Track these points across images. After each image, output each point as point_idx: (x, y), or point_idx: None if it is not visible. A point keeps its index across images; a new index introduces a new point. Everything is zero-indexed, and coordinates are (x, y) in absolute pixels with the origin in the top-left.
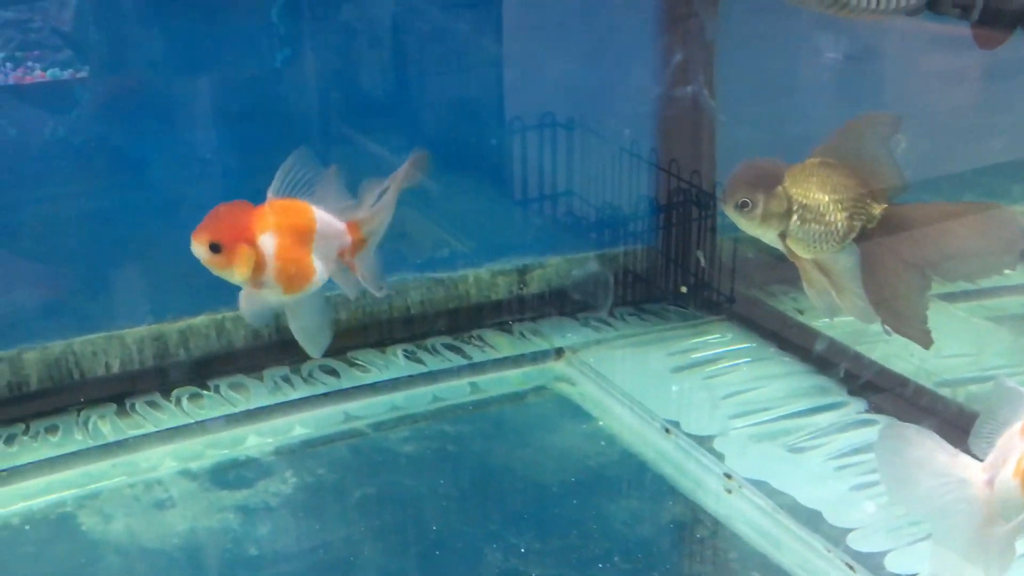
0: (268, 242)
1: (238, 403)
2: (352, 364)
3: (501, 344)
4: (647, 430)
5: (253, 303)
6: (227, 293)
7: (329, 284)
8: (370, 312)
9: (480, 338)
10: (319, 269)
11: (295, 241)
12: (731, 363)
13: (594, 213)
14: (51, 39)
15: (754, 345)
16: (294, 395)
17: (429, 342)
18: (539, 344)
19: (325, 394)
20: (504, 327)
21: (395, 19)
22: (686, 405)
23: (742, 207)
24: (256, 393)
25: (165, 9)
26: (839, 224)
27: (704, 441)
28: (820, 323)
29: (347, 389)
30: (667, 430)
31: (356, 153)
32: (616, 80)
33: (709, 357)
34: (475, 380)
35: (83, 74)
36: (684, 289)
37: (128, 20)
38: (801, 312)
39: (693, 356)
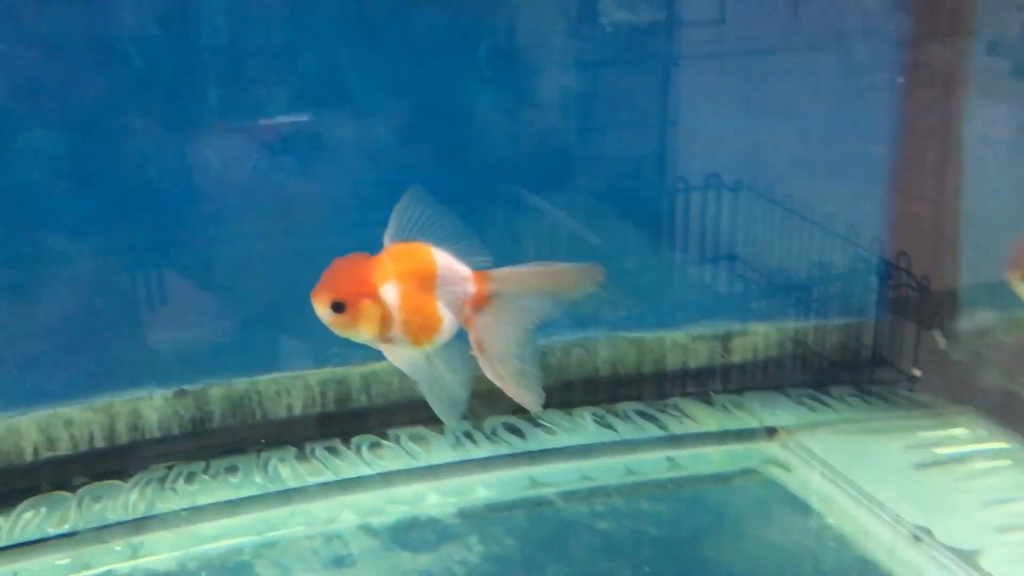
0: (390, 293)
1: (419, 456)
2: (537, 424)
3: (702, 416)
4: (890, 535)
5: (397, 357)
6: None
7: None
8: (557, 369)
9: (677, 408)
10: (446, 317)
11: (417, 289)
12: (988, 464)
13: (807, 279)
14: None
15: (1015, 445)
16: (477, 453)
17: (620, 407)
18: (746, 420)
19: (510, 455)
20: (704, 397)
21: (579, 72)
22: (939, 510)
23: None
24: (437, 447)
25: (365, 46)
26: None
27: (967, 556)
28: None
29: (533, 452)
30: (917, 538)
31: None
32: (841, 140)
33: (958, 455)
34: (673, 454)
35: (302, 117)
36: (918, 372)
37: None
38: None
39: (938, 452)
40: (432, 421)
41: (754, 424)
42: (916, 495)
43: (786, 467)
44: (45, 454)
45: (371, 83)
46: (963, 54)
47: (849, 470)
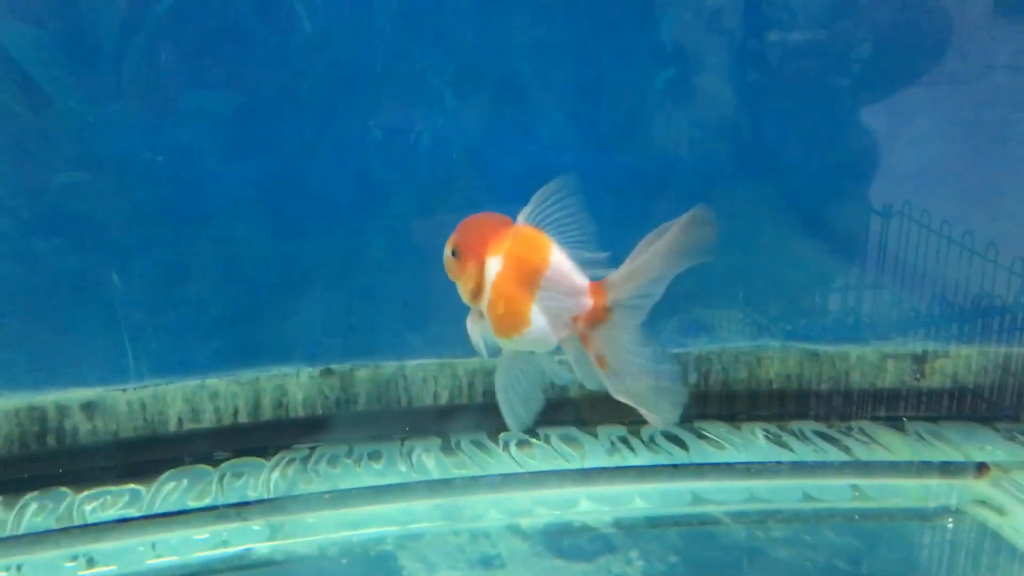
0: (492, 268)
1: (571, 459)
2: (701, 436)
3: (893, 443)
4: None
5: (472, 330)
6: None
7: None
8: (722, 378)
9: (863, 432)
10: (537, 322)
11: (517, 276)
12: None
13: (1015, 301)
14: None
15: None
16: (634, 460)
17: (796, 425)
18: (947, 452)
19: (671, 466)
20: (894, 423)
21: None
22: None
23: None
24: (591, 451)
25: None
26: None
27: None
28: None
29: (698, 465)
30: None
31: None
32: None
33: None
34: (859, 483)
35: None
36: None
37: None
38: None
39: None
40: (585, 422)
41: (958, 457)
42: None
43: (999, 509)
44: (189, 425)
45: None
46: None
47: None
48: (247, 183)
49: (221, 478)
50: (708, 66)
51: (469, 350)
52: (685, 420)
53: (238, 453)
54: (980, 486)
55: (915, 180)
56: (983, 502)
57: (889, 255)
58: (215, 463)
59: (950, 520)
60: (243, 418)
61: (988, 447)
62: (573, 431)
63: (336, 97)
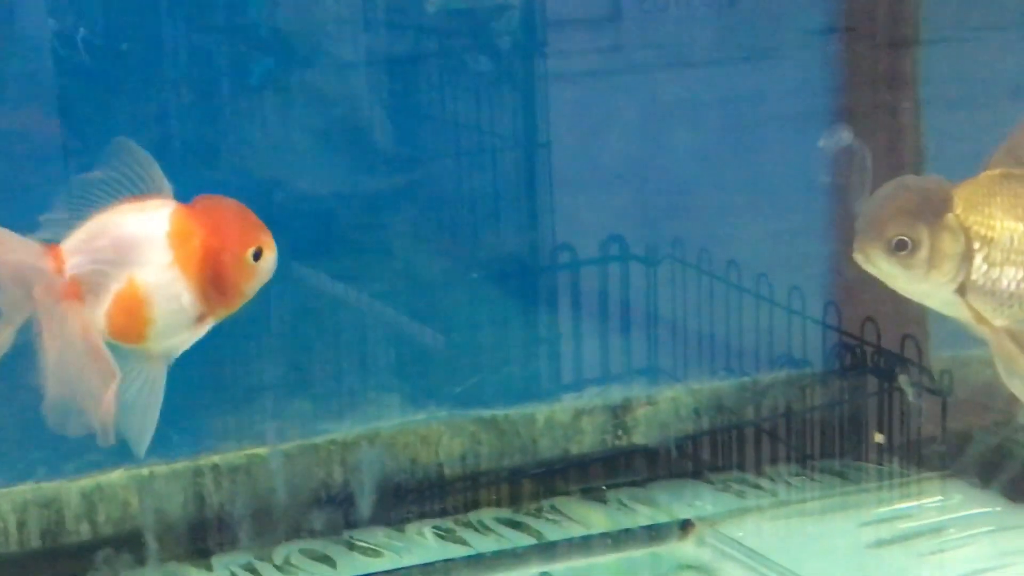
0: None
1: None
2: (352, 547)
3: (589, 517)
4: None
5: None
6: None
7: None
8: (371, 468)
9: (556, 509)
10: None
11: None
12: (964, 534)
13: (734, 328)
14: None
15: (998, 509)
16: None
17: (474, 516)
18: (651, 515)
19: None
20: (593, 494)
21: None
22: None
23: (898, 249)
24: None
25: None
26: None
27: None
28: None
29: None
30: None
31: None
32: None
33: (928, 527)
34: (549, 570)
35: None
36: (880, 437)
37: None
38: None
39: (902, 526)
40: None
41: (662, 519)
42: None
43: (706, 570)
44: None
45: None
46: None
47: (788, 561)
48: None
49: None
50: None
51: None
52: (334, 531)
53: None
54: (685, 548)
55: (588, 191)
56: (689, 566)
57: (573, 287)
58: None
59: None
60: None
61: (697, 503)
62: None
63: None
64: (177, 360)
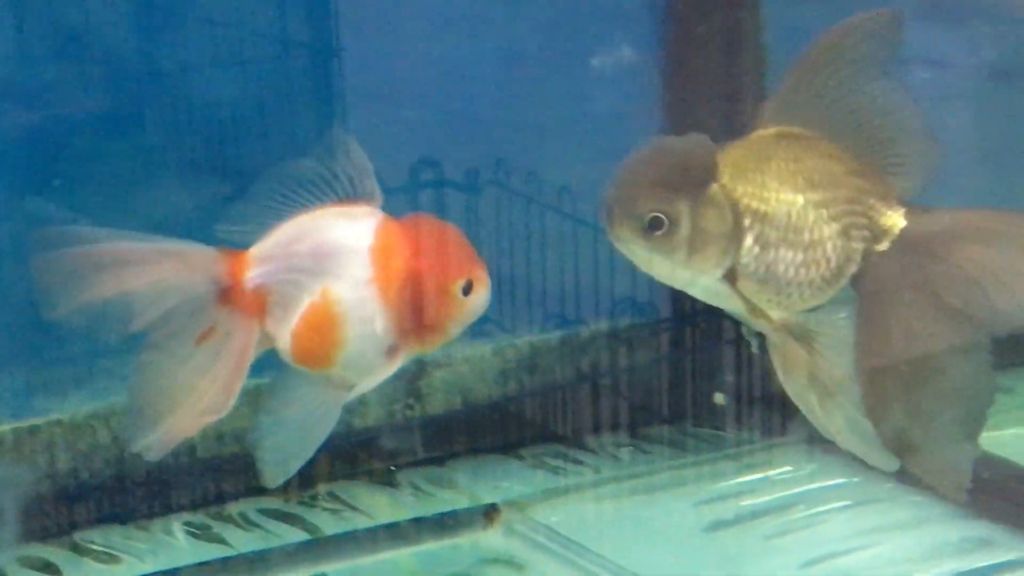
0: None
1: None
2: (79, 551)
3: (374, 505)
4: None
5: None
6: None
7: None
8: (105, 455)
9: (335, 496)
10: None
11: None
12: (815, 510)
13: (555, 269)
14: None
15: (856, 480)
16: None
17: (236, 508)
18: (450, 501)
19: None
20: (380, 476)
21: None
22: None
23: (653, 228)
24: None
25: None
26: (829, 247)
27: None
28: None
29: None
30: None
31: None
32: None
33: (774, 503)
34: (327, 569)
35: None
36: (720, 399)
37: None
38: None
39: (744, 503)
40: None
41: (463, 504)
42: (707, 566)
43: (513, 562)
44: None
45: None
46: None
47: (611, 551)
48: None
49: None
50: None
51: None
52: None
53: None
54: (490, 538)
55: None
56: (493, 559)
57: None
58: None
59: None
60: None
61: (505, 484)
62: None
63: None
64: None
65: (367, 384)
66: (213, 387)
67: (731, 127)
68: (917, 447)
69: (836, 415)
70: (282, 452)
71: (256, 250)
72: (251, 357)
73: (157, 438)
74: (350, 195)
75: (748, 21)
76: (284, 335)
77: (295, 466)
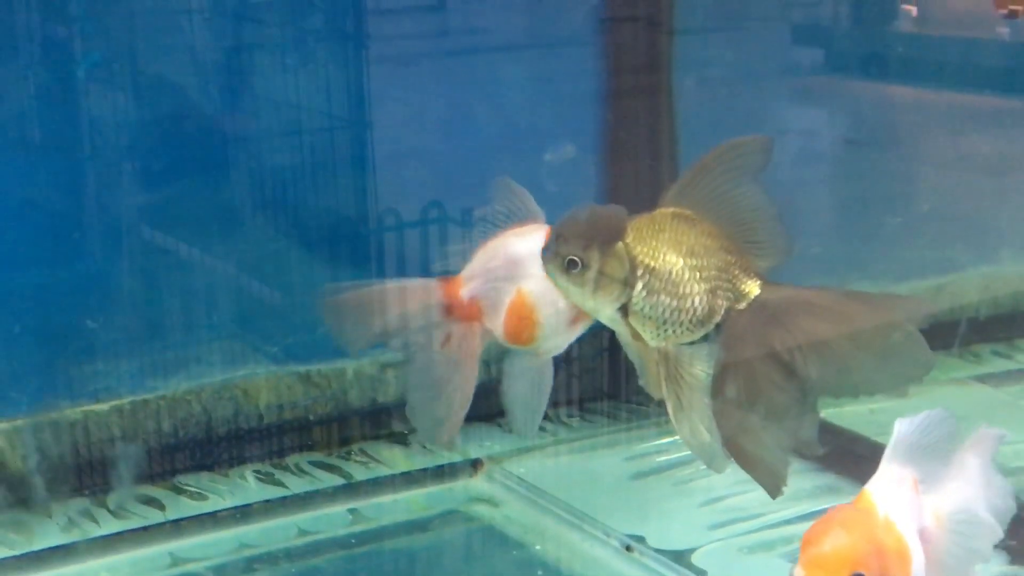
0: None
1: (16, 544)
2: (180, 490)
3: (393, 458)
4: (600, 550)
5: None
6: None
7: None
8: (197, 421)
9: (364, 452)
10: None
11: None
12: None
13: None
14: None
15: None
16: (97, 532)
17: (292, 460)
18: (447, 456)
19: (143, 529)
20: (398, 438)
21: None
22: (654, 517)
23: (571, 267)
24: (41, 531)
25: None
26: (698, 301)
27: (680, 557)
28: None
29: (175, 522)
30: (628, 547)
31: None
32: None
33: (682, 459)
34: (357, 506)
35: None
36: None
37: None
38: None
39: (660, 460)
40: (35, 505)
41: (456, 458)
42: (631, 506)
43: (493, 502)
44: None
45: None
46: None
47: (562, 493)
48: None
49: None
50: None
51: None
52: (161, 477)
53: None
54: (476, 483)
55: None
56: (478, 499)
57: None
58: None
59: (447, 524)
60: None
61: (487, 443)
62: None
63: None
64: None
65: (559, 347)
66: (460, 376)
67: (642, 204)
68: (748, 453)
69: (684, 424)
70: (530, 409)
71: (464, 272)
72: (480, 349)
73: (450, 424)
74: (521, 218)
75: (665, 126)
76: (498, 327)
77: (539, 418)
